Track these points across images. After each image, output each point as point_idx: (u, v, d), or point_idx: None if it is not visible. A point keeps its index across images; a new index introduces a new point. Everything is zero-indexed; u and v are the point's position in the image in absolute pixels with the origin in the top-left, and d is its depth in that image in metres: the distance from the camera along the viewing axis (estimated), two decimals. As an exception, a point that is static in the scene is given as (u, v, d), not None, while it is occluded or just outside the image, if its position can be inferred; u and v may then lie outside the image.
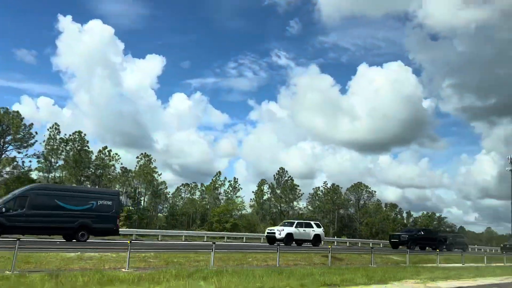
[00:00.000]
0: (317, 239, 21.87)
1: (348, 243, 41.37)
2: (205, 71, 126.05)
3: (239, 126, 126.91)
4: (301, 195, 65.04)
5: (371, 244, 38.09)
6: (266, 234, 22.52)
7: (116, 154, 50.82)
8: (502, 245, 35.92)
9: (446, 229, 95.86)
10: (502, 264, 24.02)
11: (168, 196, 60.20)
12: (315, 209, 66.41)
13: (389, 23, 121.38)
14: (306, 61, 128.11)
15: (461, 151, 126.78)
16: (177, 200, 61.79)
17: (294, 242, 21.80)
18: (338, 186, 67.47)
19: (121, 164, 51.79)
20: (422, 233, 27.32)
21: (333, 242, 31.71)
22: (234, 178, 61.57)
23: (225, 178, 59.12)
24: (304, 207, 64.75)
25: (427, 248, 26.97)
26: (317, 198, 65.82)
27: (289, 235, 21.08)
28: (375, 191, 68.24)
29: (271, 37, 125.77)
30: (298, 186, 64.67)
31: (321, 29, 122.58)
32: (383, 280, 11.96)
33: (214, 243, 14.24)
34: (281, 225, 22.98)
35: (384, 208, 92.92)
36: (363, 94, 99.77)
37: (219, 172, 59.68)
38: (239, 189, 60.68)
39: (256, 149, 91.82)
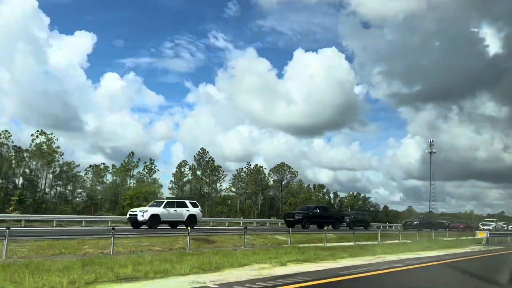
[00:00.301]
0: (191, 220, 19.33)
1: (268, 224, 40.24)
2: (140, 51, 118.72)
3: (175, 108, 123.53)
4: (224, 176, 62.91)
5: (279, 224, 36.87)
6: (128, 216, 19.59)
7: (6, 131, 44.67)
8: (403, 221, 36.36)
9: (370, 208, 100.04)
10: (397, 241, 23.29)
11: (88, 180, 55.19)
12: (238, 190, 64.69)
13: (324, 9, 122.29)
14: (244, 44, 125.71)
15: (389, 135, 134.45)
16: (96, 183, 56.76)
17: (169, 225, 19.10)
18: (262, 167, 66.28)
19: (12, 142, 45.73)
20: (318, 211, 26.00)
21: (209, 223, 29.59)
22: (150, 159, 57.81)
23: (139, 159, 55.05)
24: (227, 189, 62.73)
25: (326, 227, 25.79)
26: (239, 179, 63.98)
27: (155, 216, 18.28)
28: (297, 172, 67.89)
29: (209, 18, 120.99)
30: (220, 167, 62.38)
31: (259, 12, 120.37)
32: (218, 267, 9.56)
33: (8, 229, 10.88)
34: (149, 205, 20.11)
35: (312, 189, 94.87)
36: (299, 79, 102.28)
37: (132, 152, 55.41)
38: (155, 170, 57.03)
39: (193, 132, 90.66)
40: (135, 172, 54.82)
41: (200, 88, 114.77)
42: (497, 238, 25.65)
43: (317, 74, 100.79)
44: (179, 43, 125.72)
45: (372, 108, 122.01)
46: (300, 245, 17.65)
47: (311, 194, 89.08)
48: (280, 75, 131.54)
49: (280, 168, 66.58)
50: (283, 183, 67.39)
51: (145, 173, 56.23)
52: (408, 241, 23.75)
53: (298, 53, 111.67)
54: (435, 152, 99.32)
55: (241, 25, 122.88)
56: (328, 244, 19.08)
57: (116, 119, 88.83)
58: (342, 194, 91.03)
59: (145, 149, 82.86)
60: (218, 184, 63.02)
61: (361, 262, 12.24)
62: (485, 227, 41.30)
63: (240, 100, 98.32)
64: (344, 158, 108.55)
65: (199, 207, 20.76)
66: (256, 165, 65.15)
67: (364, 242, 21.79)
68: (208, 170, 58.56)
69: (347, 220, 28.51)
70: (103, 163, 58.91)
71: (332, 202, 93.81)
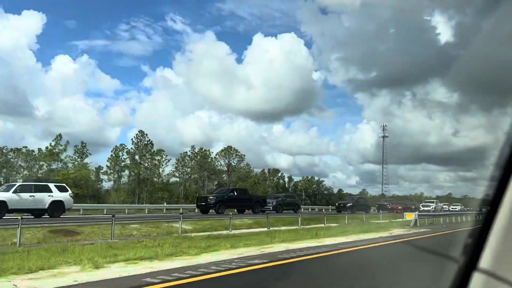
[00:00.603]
0: (56, 207, 16.05)
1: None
2: (93, 33, 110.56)
3: (132, 93, 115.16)
4: (168, 161, 59.30)
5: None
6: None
7: None
8: (337, 204, 34.79)
9: (324, 191, 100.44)
10: (321, 225, 21.17)
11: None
12: (182, 175, 61.37)
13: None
14: (202, 27, 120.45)
15: (346, 120, 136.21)
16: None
17: (31, 214, 15.61)
18: (208, 150, 63.18)
19: None
20: (235, 194, 23.45)
21: (79, 210, 26.26)
22: (82, 142, 53.04)
23: (68, 142, 50.23)
24: (169, 174, 59.22)
25: (246, 211, 23.37)
26: (183, 163, 60.60)
27: (-1, 203, 14.70)
28: (244, 155, 65.36)
29: (167, 0, 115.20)
30: (163, 151, 58.69)
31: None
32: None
33: None
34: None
35: (267, 174, 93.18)
36: (258, 64, 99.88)
37: (60, 135, 50.43)
38: (87, 154, 52.49)
39: (151, 117, 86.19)
40: (63, 156, 50.13)
41: (157, 72, 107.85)
42: (429, 220, 24.24)
43: (276, 59, 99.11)
44: (135, 26, 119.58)
45: (330, 94, 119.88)
46: (197, 234, 14.98)
47: (266, 178, 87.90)
48: (239, 60, 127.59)
49: (227, 152, 63.76)
50: (230, 167, 64.62)
51: (76, 158, 51.63)
52: (333, 225, 21.74)
53: (258, 38, 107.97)
54: (387, 136, 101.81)
55: (199, 8, 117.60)
56: (235, 232, 16.52)
57: (69, 103, 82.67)
58: (296, 178, 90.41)
59: (100, 135, 78.87)
60: (160, 169, 59.44)
61: (243, 253, 9.68)
62: (425, 208, 40.82)
63: (199, 84, 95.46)
64: (303, 143, 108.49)
65: (69, 191, 17.41)
66: (201, 148, 62.01)
67: (283, 227, 19.50)
68: (147, 154, 54.72)
69: (274, 204, 26.19)
70: (25, 147, 53.69)
71: (286, 186, 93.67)
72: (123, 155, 55.99)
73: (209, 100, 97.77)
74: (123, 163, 55.85)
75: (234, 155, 63.93)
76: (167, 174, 60.12)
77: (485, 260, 0.73)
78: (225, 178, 66.14)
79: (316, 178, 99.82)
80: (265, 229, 18.12)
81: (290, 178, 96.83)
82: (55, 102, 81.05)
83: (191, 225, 17.00)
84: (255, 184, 68.16)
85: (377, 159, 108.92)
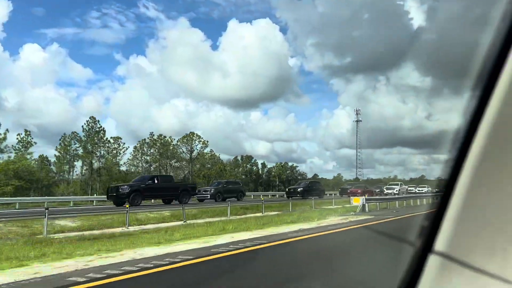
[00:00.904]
0: None
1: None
2: (63, 20, 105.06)
3: (105, 82, 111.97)
4: (126, 149, 55.59)
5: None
6: None
7: None
8: (287, 189, 32.01)
9: (298, 177, 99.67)
10: (259, 215, 18.37)
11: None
12: (140, 163, 57.79)
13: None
14: (176, 14, 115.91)
15: (322, 106, 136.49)
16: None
17: None
18: (169, 137, 59.66)
19: None
20: (155, 182, 20.28)
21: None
22: (26, 130, 48.74)
23: (7, 130, 45.81)
24: (125, 163, 55.58)
25: (174, 201, 20.31)
26: (141, 151, 56.98)
27: None
28: (207, 141, 62.11)
29: None
30: (120, 138, 54.94)
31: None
32: None
33: None
34: None
35: (240, 161, 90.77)
36: (234, 51, 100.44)
37: (-2, 123, 45.92)
38: (32, 144, 48.27)
39: (126, 107, 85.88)
40: (3, 145, 45.77)
41: (130, 60, 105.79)
42: (383, 204, 21.71)
43: (251, 45, 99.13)
44: (106, 13, 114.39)
45: (306, 80, 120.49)
46: (77, 233, 11.88)
47: (239, 165, 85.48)
48: (214, 47, 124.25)
49: (189, 138, 60.31)
50: (192, 154, 61.29)
51: (20, 148, 47.34)
52: (272, 213, 18.97)
53: (232, 24, 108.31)
54: (360, 121, 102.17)
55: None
56: (135, 229, 13.48)
57: (40, 94, 79.59)
58: (270, 165, 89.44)
59: (73, 126, 76.08)
60: (118, 158, 55.73)
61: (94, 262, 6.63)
62: (389, 191, 38.73)
63: (173, 72, 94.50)
64: (281, 130, 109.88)
65: None
66: (160, 135, 58.30)
67: (208, 219, 16.58)
68: (98, 142, 50.83)
69: (212, 191, 23.19)
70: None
71: (260, 172, 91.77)
72: (75, 144, 52.02)
73: (184, 88, 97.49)
74: (74, 153, 51.89)
75: (196, 141, 60.51)
76: (124, 163, 56.53)
77: (440, 242, 0.73)
78: (189, 165, 62.91)
79: (290, 164, 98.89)
80: (181, 222, 15.17)
81: (263, 165, 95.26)
82: (25, 93, 78.17)
83: (81, 222, 13.86)
84: (221, 171, 65.21)
85: (353, 144, 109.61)
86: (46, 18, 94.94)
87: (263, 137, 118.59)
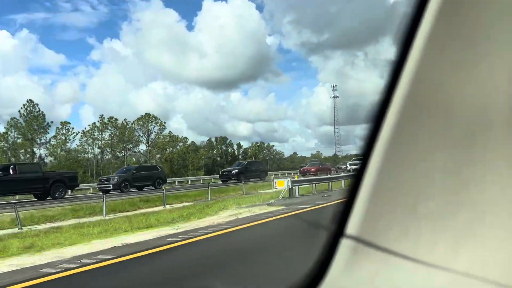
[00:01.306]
0: None
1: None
2: (32, 5, 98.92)
3: (80, 67, 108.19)
4: (76, 134, 50.83)
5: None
6: None
7: None
8: (220, 172, 27.82)
9: (275, 156, 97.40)
10: (153, 209, 14.38)
11: None
12: (92, 148, 53.17)
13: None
14: None
15: (302, 84, 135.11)
16: None
17: None
18: (125, 120, 54.85)
19: None
20: (11, 172, 15.40)
21: None
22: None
23: None
24: (71, 149, 50.85)
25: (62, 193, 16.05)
26: (90, 135, 52.21)
27: None
28: (164, 122, 57.59)
29: None
30: (69, 123, 50.24)
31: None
32: None
33: None
34: None
35: (214, 142, 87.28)
36: (210, 31, 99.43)
37: None
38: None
39: (103, 92, 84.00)
40: None
41: (105, 44, 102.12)
42: (323, 185, 17.91)
43: (228, 25, 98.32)
44: None
45: (285, 59, 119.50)
46: None
47: (213, 147, 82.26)
48: (190, 27, 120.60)
49: (145, 120, 55.59)
50: (150, 137, 56.76)
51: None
52: (179, 205, 15.06)
53: (207, 3, 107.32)
54: (338, 97, 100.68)
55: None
56: None
57: (11, 82, 74.99)
58: (245, 145, 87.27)
59: (49, 115, 72.71)
60: (68, 144, 51.04)
61: None
62: (353, 166, 35.25)
63: (150, 55, 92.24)
64: (261, 110, 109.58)
65: None
66: (111, 117, 53.39)
67: (73, 220, 12.49)
68: (38, 129, 45.94)
69: (115, 181, 19.00)
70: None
71: (236, 153, 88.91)
72: (12, 132, 46.98)
73: (161, 70, 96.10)
74: (12, 140, 46.90)
75: (153, 123, 55.90)
76: (72, 150, 51.83)
77: (352, 226, 0.71)
78: (148, 149, 58.45)
79: (266, 144, 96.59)
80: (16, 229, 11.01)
81: (239, 145, 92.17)
82: (-5, 81, 74.23)
83: None
84: (184, 154, 60.99)
85: (333, 120, 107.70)
86: (14, 2, 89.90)
87: (244, 118, 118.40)
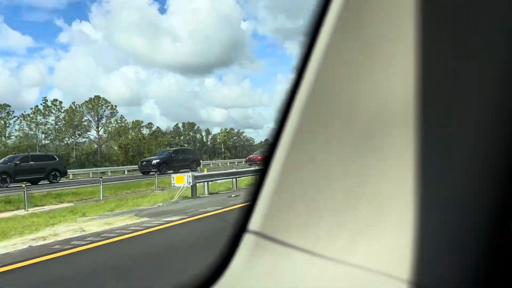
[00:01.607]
0: None
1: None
2: None
3: (47, 50, 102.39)
4: (17, 118, 46.12)
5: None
6: None
7: None
8: (140, 162, 24.30)
9: (245, 143, 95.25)
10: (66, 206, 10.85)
11: None
12: (36, 133, 48.53)
13: None
14: None
15: (277, 71, 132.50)
16: None
17: None
18: (74, 103, 50.24)
19: None
20: None
21: None
22: None
23: None
24: (9, 135, 46.23)
25: None
26: (32, 120, 47.53)
27: None
28: (116, 106, 53.29)
29: None
30: (9, 106, 45.55)
31: None
32: None
33: None
34: None
35: (182, 128, 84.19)
36: (183, 14, 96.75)
37: None
38: None
39: (72, 76, 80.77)
40: None
41: (73, 26, 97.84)
42: (245, 180, 14.67)
43: (202, 8, 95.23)
44: None
45: (260, 45, 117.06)
46: None
47: (180, 133, 79.41)
48: (162, 10, 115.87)
49: (94, 103, 51.10)
50: (101, 121, 52.38)
51: None
52: (54, 207, 11.59)
53: None
54: None
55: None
56: None
57: None
58: (215, 131, 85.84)
59: (15, 99, 68.43)
60: (8, 130, 46.40)
61: None
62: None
63: (120, 38, 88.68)
64: (236, 96, 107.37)
65: None
66: (55, 100, 48.71)
67: None
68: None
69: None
70: None
71: (204, 140, 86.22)
72: None
73: (133, 54, 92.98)
74: None
75: (103, 107, 51.54)
76: (16, 136, 47.19)
77: (255, 221, 0.71)
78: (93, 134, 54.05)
79: (236, 130, 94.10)
80: None
81: (207, 132, 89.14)
82: (-43, 65, 69.47)
83: None
84: (140, 140, 56.93)
85: None
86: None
87: (219, 104, 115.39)
